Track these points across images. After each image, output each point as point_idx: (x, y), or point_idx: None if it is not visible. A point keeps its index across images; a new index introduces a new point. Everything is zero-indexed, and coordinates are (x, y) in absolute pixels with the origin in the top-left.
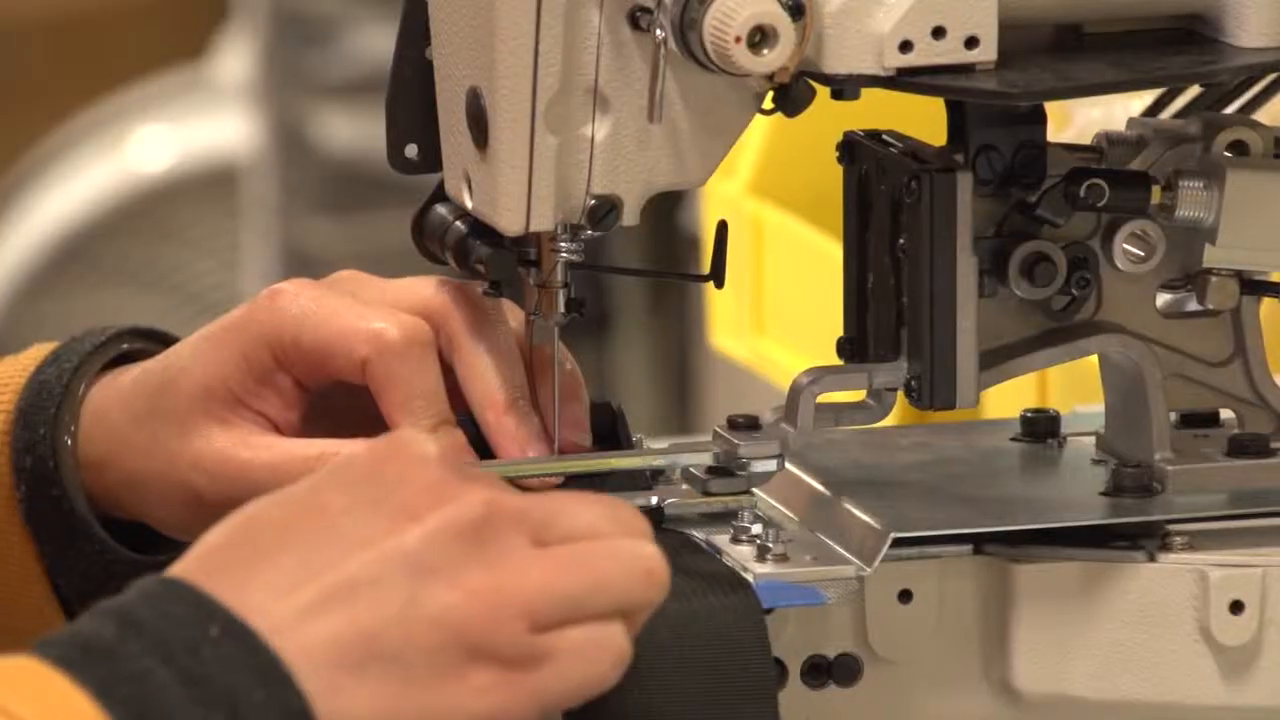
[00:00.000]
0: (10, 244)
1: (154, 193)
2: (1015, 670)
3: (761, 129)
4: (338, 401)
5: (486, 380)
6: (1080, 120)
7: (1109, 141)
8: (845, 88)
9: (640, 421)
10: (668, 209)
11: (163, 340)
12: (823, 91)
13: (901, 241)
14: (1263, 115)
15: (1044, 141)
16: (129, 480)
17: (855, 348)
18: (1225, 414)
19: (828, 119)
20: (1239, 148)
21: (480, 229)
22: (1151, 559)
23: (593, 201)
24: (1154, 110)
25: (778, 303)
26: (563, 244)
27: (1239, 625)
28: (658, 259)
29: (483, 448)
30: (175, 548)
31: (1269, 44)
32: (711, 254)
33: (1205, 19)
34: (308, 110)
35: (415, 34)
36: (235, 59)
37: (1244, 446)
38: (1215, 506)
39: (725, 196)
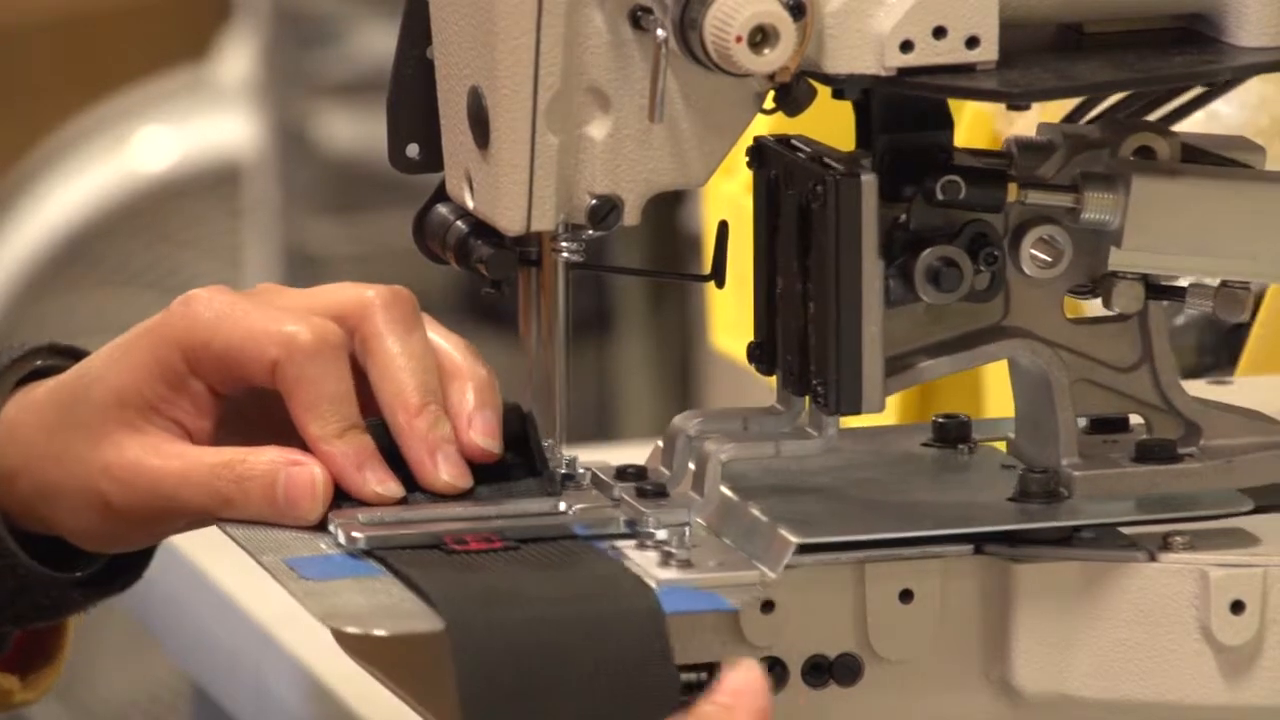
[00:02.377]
0: (12, 244)
1: (156, 193)
2: (1016, 670)
3: (762, 129)
4: (251, 410)
5: (398, 382)
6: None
7: (1018, 146)
8: (846, 87)
9: (640, 421)
10: (668, 209)
11: (78, 357)
12: (823, 91)
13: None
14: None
15: (951, 145)
16: (41, 490)
17: (764, 353)
18: (1134, 419)
19: (827, 119)
20: (1145, 153)
21: (481, 228)
22: (1152, 559)
23: (594, 201)
24: (1075, 116)
25: None
26: (564, 243)
27: (1240, 625)
28: (658, 259)
29: (393, 455)
30: (89, 561)
31: (1269, 43)
32: (712, 254)
33: (1206, 18)
34: (309, 110)
35: (416, 33)
36: (237, 59)
37: (1151, 451)
38: (1122, 512)
39: (726, 196)
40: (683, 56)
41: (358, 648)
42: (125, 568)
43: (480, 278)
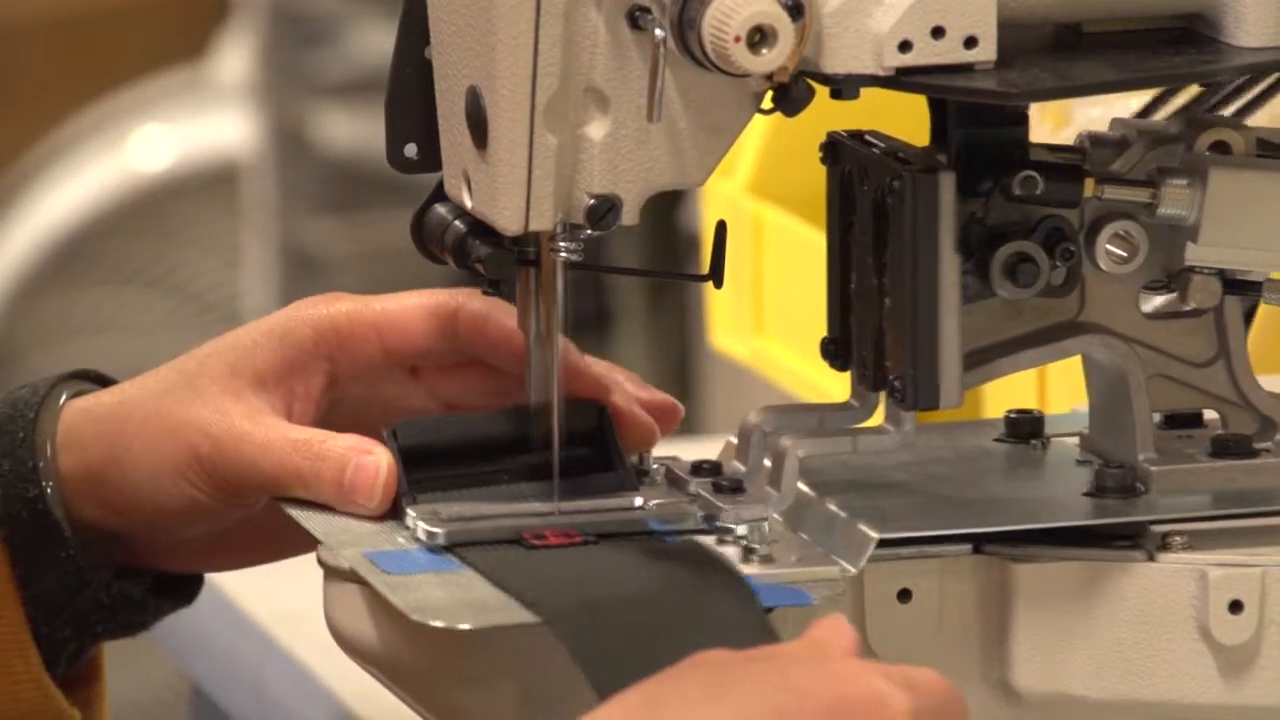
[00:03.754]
0: (10, 243)
1: (154, 192)
2: (1015, 670)
3: (760, 129)
4: (345, 420)
5: (600, 368)
6: (1080, 119)
7: (1092, 142)
8: (844, 87)
9: None
10: (667, 209)
11: (106, 384)
12: (822, 91)
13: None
14: (1263, 117)
15: (1026, 141)
16: (134, 457)
17: (838, 349)
18: (1208, 414)
19: (827, 119)
20: (1221, 148)
21: (480, 228)
22: (1151, 559)
23: (592, 201)
24: (1147, 112)
25: (777, 302)
26: (562, 244)
27: (1238, 625)
28: (657, 259)
29: (493, 446)
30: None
31: (1268, 44)
32: (711, 254)
33: (1205, 19)
34: (308, 110)
35: (415, 33)
36: (235, 59)
37: (1227, 447)
38: (1199, 507)
39: (724, 196)
40: (681, 56)
41: (357, 649)
42: (184, 581)
43: (479, 278)
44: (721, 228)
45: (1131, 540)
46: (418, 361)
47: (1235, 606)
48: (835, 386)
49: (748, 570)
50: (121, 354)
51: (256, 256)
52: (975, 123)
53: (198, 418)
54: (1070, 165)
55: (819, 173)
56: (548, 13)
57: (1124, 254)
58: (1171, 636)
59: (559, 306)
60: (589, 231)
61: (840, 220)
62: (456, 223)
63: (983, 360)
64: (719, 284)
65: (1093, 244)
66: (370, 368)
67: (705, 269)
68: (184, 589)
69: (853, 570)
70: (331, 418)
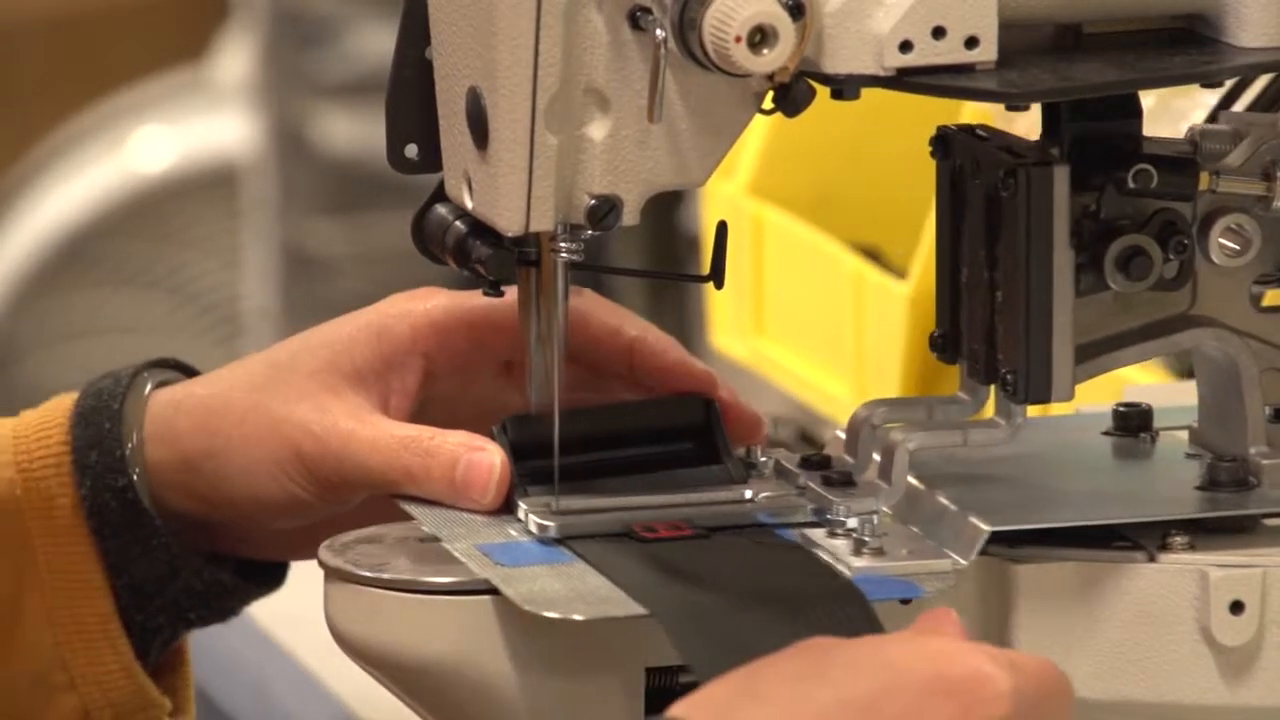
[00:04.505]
0: (10, 244)
1: (154, 193)
2: None
3: (761, 129)
4: (439, 414)
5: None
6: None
7: (1203, 135)
8: (845, 88)
9: None
10: (667, 209)
11: (187, 372)
12: (823, 92)
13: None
14: None
15: (1140, 134)
16: (232, 453)
17: (947, 342)
18: None
19: (828, 119)
20: None
21: (480, 229)
22: (1152, 559)
23: (593, 201)
24: (1224, 105)
25: (778, 303)
26: (563, 244)
27: (1239, 625)
28: (657, 259)
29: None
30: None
31: (1269, 44)
32: (711, 254)
33: (1205, 19)
34: (308, 110)
35: (415, 34)
36: (235, 59)
37: None
38: None
39: (725, 196)
40: (682, 57)
41: (358, 650)
42: (270, 566)
43: (479, 278)
44: (722, 228)
45: (1134, 541)
46: (512, 357)
47: (1236, 607)
48: (837, 387)
49: (859, 563)
50: (121, 355)
51: (256, 257)
52: (1088, 116)
53: (298, 415)
54: (1184, 158)
55: (820, 173)
56: (548, 13)
57: (1237, 247)
58: (1172, 637)
59: (560, 307)
60: (590, 232)
61: (951, 214)
62: (457, 223)
63: (1094, 354)
64: (719, 285)
65: (1206, 237)
66: (465, 364)
67: (706, 270)
68: (271, 574)
69: (964, 563)
70: (424, 414)
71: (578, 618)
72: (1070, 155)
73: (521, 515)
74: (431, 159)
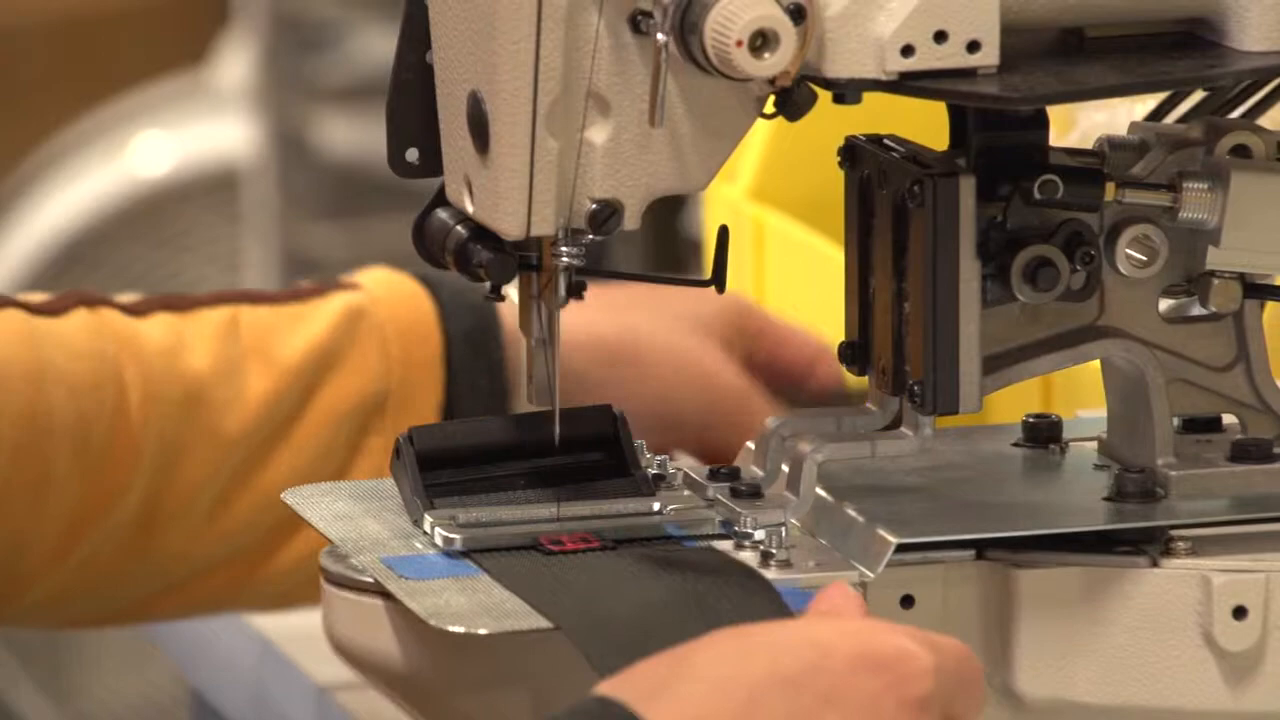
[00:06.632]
0: (11, 248)
1: (155, 198)
2: (1018, 676)
3: (763, 133)
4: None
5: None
6: (1084, 124)
7: (1111, 146)
8: (847, 92)
9: None
10: (669, 213)
11: None
12: (824, 96)
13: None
14: (1266, 120)
15: (1046, 145)
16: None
17: (857, 353)
18: (1227, 419)
19: (829, 123)
20: (1241, 152)
21: (481, 233)
22: (1155, 564)
23: (594, 206)
24: (1156, 115)
25: (779, 307)
26: (564, 248)
27: (1242, 630)
28: (659, 263)
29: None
30: None
31: (1271, 48)
32: (713, 259)
33: (1208, 23)
34: (308, 115)
35: (416, 38)
36: (236, 64)
37: (1247, 451)
38: (1219, 512)
39: (726, 201)
40: (683, 61)
41: (355, 656)
42: None
43: (480, 283)
44: (723, 233)
45: (1136, 545)
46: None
47: (1239, 612)
48: None
49: (766, 575)
50: None
51: (257, 262)
52: (994, 127)
53: (711, 362)
54: (1090, 169)
55: (821, 178)
56: (549, 17)
57: (1144, 258)
58: (1175, 642)
59: (560, 311)
60: (591, 236)
61: (859, 224)
62: (458, 228)
63: (1002, 365)
64: (721, 289)
65: (1113, 248)
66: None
67: (707, 274)
68: None
69: (871, 575)
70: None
71: (482, 632)
72: (976, 165)
73: (427, 528)
74: (432, 163)
